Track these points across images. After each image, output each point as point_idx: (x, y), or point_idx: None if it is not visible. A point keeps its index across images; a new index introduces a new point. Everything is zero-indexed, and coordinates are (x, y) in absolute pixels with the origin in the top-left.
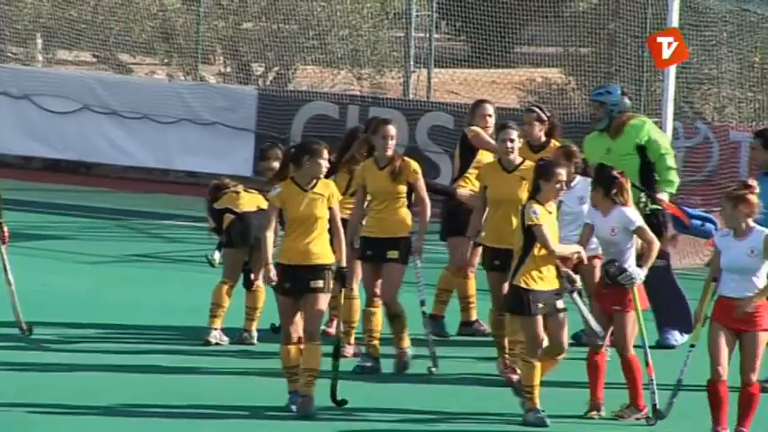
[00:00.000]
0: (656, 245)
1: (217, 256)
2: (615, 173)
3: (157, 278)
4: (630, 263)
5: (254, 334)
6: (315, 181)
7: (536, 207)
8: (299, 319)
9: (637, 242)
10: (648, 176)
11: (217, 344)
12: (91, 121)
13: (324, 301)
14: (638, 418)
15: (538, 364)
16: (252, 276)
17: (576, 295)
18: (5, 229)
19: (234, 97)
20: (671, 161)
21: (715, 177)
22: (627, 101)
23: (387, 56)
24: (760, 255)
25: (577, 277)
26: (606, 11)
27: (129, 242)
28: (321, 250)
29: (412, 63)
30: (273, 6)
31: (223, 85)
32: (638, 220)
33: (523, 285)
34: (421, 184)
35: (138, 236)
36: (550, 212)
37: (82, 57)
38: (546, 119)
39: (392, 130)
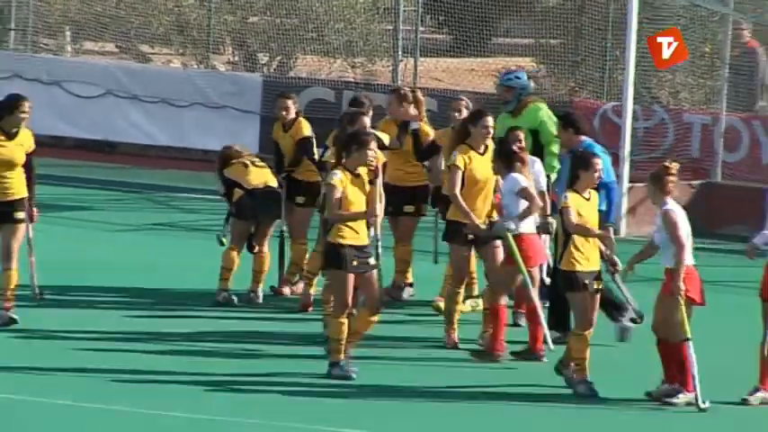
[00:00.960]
0: (537, 203)
1: (227, 237)
2: (512, 144)
3: (174, 245)
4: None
5: (260, 294)
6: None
7: (566, 193)
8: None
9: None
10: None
11: (226, 303)
12: (114, 104)
13: None
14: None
15: (587, 335)
16: (253, 243)
17: (617, 276)
18: (35, 209)
19: (241, 83)
20: (555, 148)
21: (670, 154)
22: (532, 84)
23: (377, 46)
24: (663, 229)
25: (618, 260)
26: (573, 6)
27: (148, 213)
28: (365, 231)
29: (400, 53)
30: (276, 2)
31: (232, 73)
32: (523, 182)
33: (568, 268)
34: (380, 176)
35: (157, 207)
36: (588, 199)
37: (106, 47)
38: (471, 105)
39: (368, 121)
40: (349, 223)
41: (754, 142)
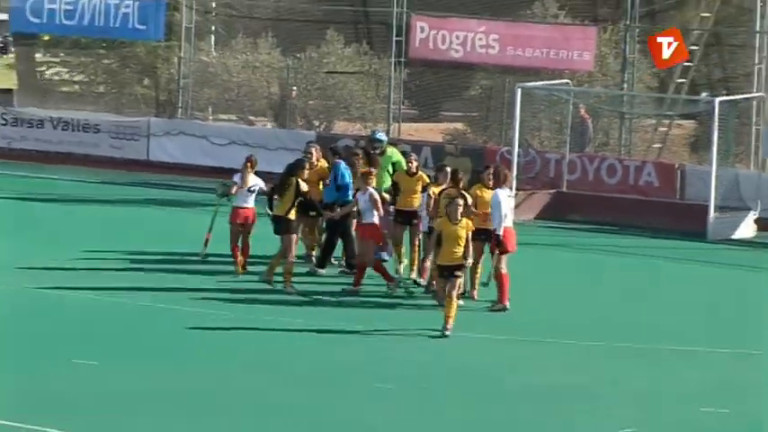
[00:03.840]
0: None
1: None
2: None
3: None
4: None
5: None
6: None
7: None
8: None
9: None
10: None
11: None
12: (235, 148)
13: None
14: None
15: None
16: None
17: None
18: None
19: (304, 137)
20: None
21: (539, 177)
22: (386, 138)
23: (379, 116)
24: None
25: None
26: (486, 95)
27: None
28: None
29: (391, 120)
30: (323, 92)
31: (299, 131)
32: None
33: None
34: None
35: (257, 205)
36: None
37: (231, 117)
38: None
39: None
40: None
41: (584, 170)
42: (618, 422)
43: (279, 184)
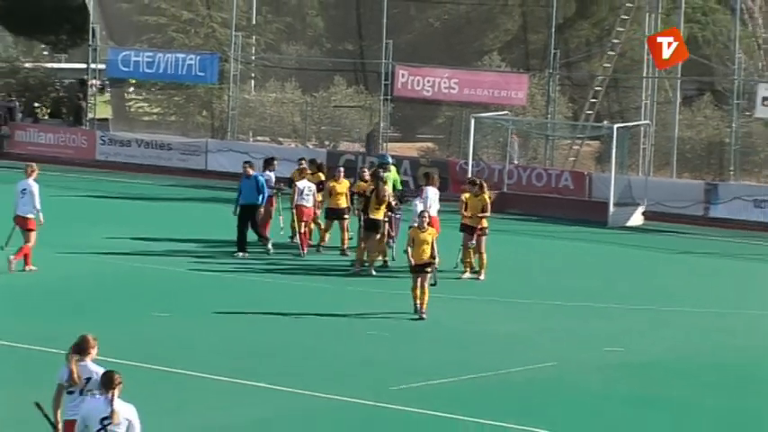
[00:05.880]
0: None
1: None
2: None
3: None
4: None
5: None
6: None
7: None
8: None
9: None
10: (396, 190)
11: None
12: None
13: None
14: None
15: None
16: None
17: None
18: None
19: (318, 152)
20: (399, 185)
21: (486, 184)
22: (391, 159)
23: (372, 138)
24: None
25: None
26: (449, 123)
27: (282, 201)
28: None
29: (380, 141)
30: (333, 120)
31: (314, 149)
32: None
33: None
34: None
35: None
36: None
37: (266, 138)
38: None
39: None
40: None
41: (519, 176)
42: (543, 357)
43: (370, 194)
